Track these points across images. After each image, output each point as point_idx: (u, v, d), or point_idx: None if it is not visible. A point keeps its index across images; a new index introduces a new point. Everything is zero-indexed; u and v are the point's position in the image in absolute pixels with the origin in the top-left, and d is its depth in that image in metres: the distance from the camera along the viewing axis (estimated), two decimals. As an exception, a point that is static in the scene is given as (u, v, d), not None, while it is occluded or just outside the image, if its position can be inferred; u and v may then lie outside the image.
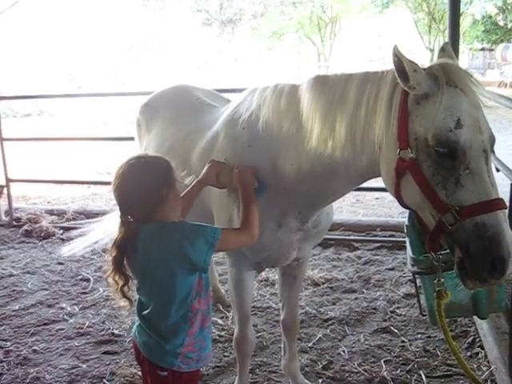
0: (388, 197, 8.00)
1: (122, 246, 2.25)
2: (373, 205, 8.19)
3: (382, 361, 3.76)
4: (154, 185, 2.24)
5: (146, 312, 2.34)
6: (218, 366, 3.78)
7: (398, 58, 1.98)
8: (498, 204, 1.93)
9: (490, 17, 32.99)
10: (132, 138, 4.59)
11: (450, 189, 1.95)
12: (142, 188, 2.23)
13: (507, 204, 2.00)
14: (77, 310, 4.68)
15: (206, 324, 2.39)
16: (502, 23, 34.18)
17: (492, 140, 2.03)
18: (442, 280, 2.16)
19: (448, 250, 2.07)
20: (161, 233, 2.23)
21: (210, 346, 2.45)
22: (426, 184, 1.99)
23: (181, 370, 2.32)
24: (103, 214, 7.16)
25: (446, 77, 1.99)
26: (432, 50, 33.68)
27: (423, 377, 3.56)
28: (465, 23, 30.89)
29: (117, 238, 2.26)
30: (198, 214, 2.79)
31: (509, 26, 33.80)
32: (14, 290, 5.11)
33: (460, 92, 1.98)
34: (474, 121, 1.96)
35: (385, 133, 2.12)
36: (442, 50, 2.27)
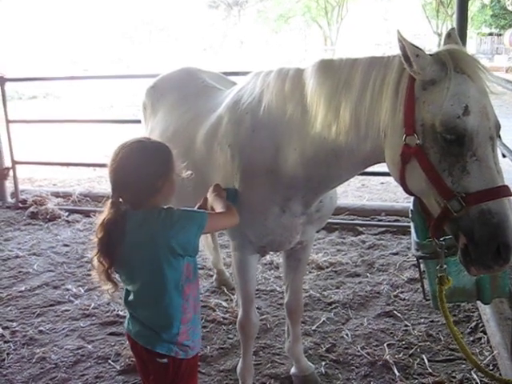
0: (393, 182, 7.93)
1: (109, 228, 2.20)
2: (378, 189, 8.18)
3: (384, 344, 3.77)
4: (149, 175, 2.20)
5: (136, 301, 2.31)
6: (222, 348, 3.81)
7: (402, 43, 1.96)
8: (503, 191, 1.92)
9: (499, 1, 32.68)
10: (137, 121, 4.58)
11: (456, 175, 1.94)
12: (138, 177, 2.19)
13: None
14: (82, 291, 4.72)
15: (197, 310, 2.38)
16: (510, 8, 33.81)
17: (498, 127, 2.02)
18: (445, 266, 2.16)
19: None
20: (148, 220, 2.19)
21: (199, 331, 2.43)
22: (433, 171, 1.98)
23: (178, 356, 2.30)
24: (109, 196, 7.22)
25: (454, 63, 1.97)
26: (440, 35, 33.46)
27: (426, 361, 3.58)
28: (473, 7, 30.63)
29: (105, 218, 2.21)
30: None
31: (517, 11, 33.50)
32: (20, 272, 5.14)
33: (467, 78, 1.96)
34: (482, 107, 1.95)
35: (390, 118, 2.10)
36: (449, 36, 2.24)
